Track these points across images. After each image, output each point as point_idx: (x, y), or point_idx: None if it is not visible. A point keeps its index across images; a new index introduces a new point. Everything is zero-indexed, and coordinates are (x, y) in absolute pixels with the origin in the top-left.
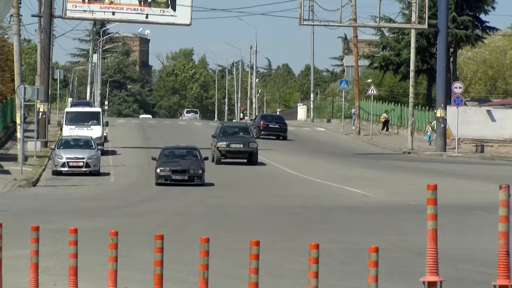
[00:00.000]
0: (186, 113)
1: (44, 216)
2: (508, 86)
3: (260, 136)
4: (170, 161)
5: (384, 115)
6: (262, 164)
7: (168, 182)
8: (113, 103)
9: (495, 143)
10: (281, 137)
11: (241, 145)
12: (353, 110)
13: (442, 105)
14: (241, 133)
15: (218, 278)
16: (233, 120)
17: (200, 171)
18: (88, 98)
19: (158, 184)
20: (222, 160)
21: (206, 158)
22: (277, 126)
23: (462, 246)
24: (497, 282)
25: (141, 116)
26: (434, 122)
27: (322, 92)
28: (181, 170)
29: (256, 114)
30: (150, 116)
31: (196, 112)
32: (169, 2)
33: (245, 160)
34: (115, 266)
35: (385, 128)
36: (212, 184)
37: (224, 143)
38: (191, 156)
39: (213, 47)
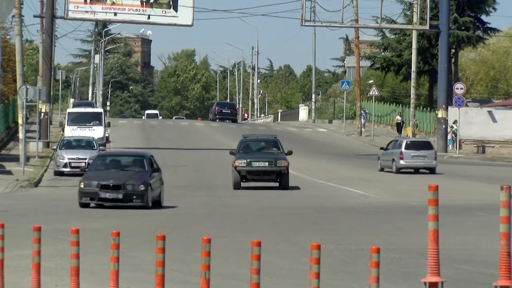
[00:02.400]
0: (174, 119)
1: (46, 216)
2: (509, 87)
3: (216, 119)
4: (103, 172)
5: (398, 117)
6: (295, 188)
7: (95, 202)
8: (115, 104)
9: (496, 144)
10: (231, 120)
11: (266, 163)
12: (362, 112)
13: (444, 106)
14: (268, 148)
15: (220, 278)
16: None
17: (142, 187)
18: (90, 98)
19: (82, 205)
20: (242, 184)
21: (156, 170)
22: (229, 111)
23: (463, 247)
24: (498, 282)
25: (146, 112)
26: (454, 125)
27: (323, 93)
28: (113, 185)
29: (258, 115)
30: (156, 111)
31: (182, 118)
32: (171, 3)
33: (277, 184)
34: (116, 266)
35: (400, 131)
36: (171, 207)
37: (244, 161)
38: (135, 167)
39: (214, 48)
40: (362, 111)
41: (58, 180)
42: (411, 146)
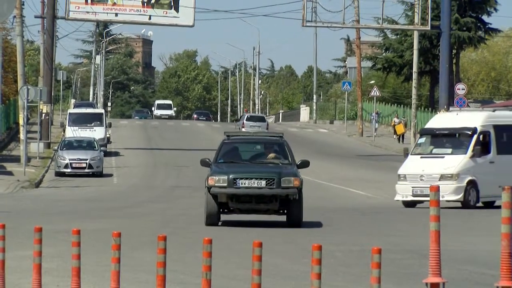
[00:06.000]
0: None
1: (47, 217)
2: (511, 88)
3: None
4: None
5: (395, 119)
6: (314, 224)
7: None
8: (116, 105)
9: None
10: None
11: (262, 182)
12: (373, 114)
13: (445, 107)
14: (266, 155)
15: (221, 279)
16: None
17: None
18: (91, 99)
19: None
20: (223, 217)
21: None
22: (204, 118)
23: (464, 248)
24: (500, 283)
25: (157, 102)
26: None
27: (325, 93)
28: None
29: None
30: (169, 102)
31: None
32: (172, 4)
33: (282, 218)
34: (117, 267)
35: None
36: None
37: (223, 177)
38: None
39: (216, 49)
40: (374, 114)
41: (59, 180)
42: (251, 119)
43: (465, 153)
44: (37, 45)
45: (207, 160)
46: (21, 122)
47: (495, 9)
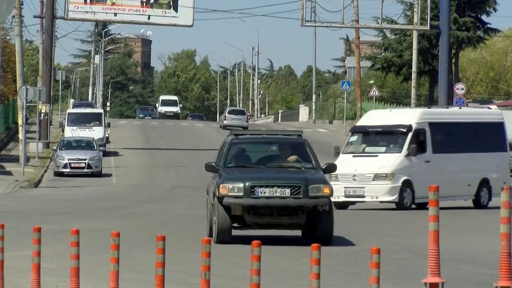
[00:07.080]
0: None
1: (46, 217)
2: (510, 88)
3: None
4: None
5: None
6: (342, 241)
7: None
8: (115, 104)
9: None
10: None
11: (286, 190)
12: None
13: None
14: (284, 157)
15: (220, 279)
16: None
17: None
18: (90, 99)
19: None
20: (235, 232)
21: None
22: (199, 121)
23: (463, 247)
24: (499, 283)
25: (161, 97)
26: None
27: (324, 93)
28: None
29: (259, 115)
30: (175, 98)
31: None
32: (171, 3)
33: (298, 231)
34: (116, 267)
35: None
36: None
37: (239, 185)
38: None
39: (215, 48)
40: None
41: (58, 180)
42: (232, 112)
43: (400, 152)
44: (36, 45)
45: (213, 164)
46: (20, 122)
47: (494, 9)
